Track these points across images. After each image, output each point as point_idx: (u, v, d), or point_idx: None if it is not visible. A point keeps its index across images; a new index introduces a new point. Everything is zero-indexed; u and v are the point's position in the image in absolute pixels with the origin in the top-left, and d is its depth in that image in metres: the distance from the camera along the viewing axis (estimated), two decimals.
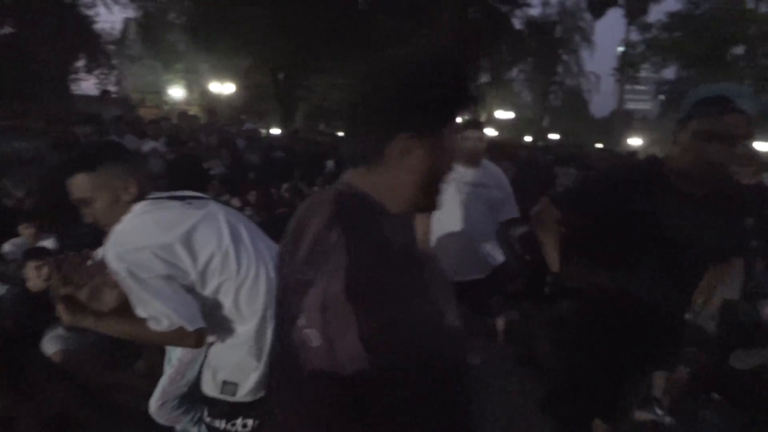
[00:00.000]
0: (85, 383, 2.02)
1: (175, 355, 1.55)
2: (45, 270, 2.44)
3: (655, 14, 17.51)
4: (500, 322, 3.30)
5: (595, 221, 1.43)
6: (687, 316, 1.46)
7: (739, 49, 14.97)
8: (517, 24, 21.73)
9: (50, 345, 2.01)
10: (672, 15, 15.77)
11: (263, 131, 12.61)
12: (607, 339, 1.41)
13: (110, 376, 2.13)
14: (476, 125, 2.64)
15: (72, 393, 1.94)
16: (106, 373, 2.14)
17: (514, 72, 25.85)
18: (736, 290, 2.96)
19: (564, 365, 1.59)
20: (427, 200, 0.74)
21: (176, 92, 19.55)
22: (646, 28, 16.89)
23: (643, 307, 1.34)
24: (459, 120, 0.73)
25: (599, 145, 17.06)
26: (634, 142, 25.15)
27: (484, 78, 23.46)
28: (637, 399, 1.50)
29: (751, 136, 1.23)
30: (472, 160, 2.61)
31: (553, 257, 1.54)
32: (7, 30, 11.15)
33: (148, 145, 5.54)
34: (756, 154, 3.59)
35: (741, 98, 1.20)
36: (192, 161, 5.46)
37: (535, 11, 24.01)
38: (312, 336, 0.60)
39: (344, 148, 0.76)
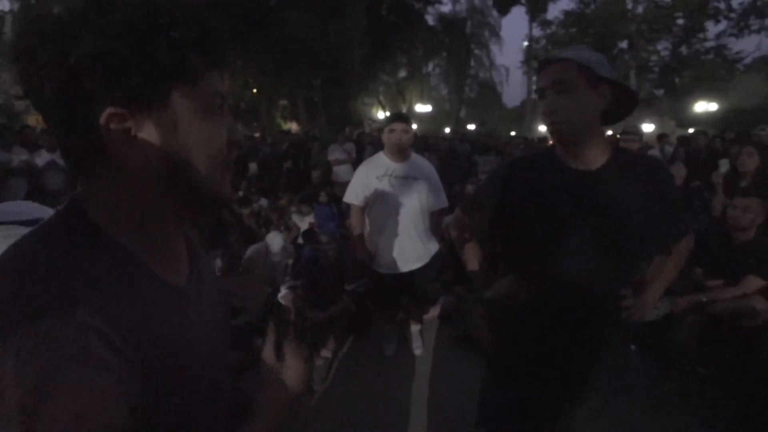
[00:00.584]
0: None
1: None
2: None
3: (554, 12, 19.05)
4: (437, 308, 3.53)
5: (501, 219, 1.34)
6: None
7: (623, 44, 16.85)
8: (430, 20, 22.48)
9: None
10: (567, 13, 17.40)
11: None
12: (538, 327, 1.31)
13: None
14: (401, 118, 2.71)
15: None
16: None
17: (430, 67, 26.72)
18: None
19: (498, 363, 1.49)
20: (193, 199, 0.52)
21: None
22: (546, 24, 18.40)
23: (567, 291, 1.23)
24: (202, 83, 0.49)
25: (513, 133, 18.23)
26: (544, 128, 27.13)
27: (402, 73, 24.01)
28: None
29: (568, 82, 1.13)
30: (401, 153, 2.70)
31: (474, 268, 1.50)
32: None
33: (42, 158, 5.03)
34: (638, 131, 4.05)
35: (570, 53, 1.16)
36: None
37: (445, 8, 24.92)
38: None
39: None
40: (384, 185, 2.68)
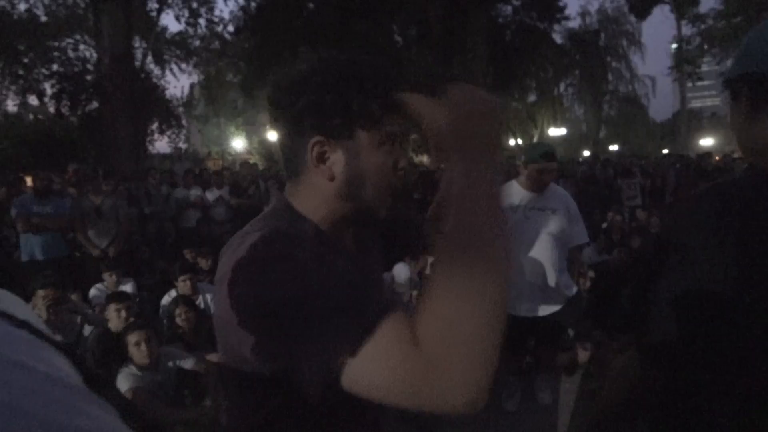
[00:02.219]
0: (154, 421, 2.14)
1: None
2: (123, 312, 2.67)
3: (707, 3, 16.47)
4: (574, 356, 3.09)
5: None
6: None
7: None
8: (558, 39, 21.43)
9: (123, 383, 2.16)
10: (727, 1, 14.76)
11: None
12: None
13: (177, 413, 2.24)
14: (551, 157, 2.43)
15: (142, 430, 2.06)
16: (174, 410, 2.25)
17: (562, 87, 25.25)
18: None
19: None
20: (359, 210, 0.71)
21: (238, 144, 21.24)
22: (698, 19, 15.93)
23: None
24: (384, 123, 0.66)
25: (665, 151, 15.97)
26: (705, 142, 23.30)
27: (532, 97, 23.13)
28: None
29: None
30: (539, 186, 2.47)
31: None
32: (93, 105, 12.84)
33: (213, 194, 6.00)
34: None
35: None
36: (252, 206, 5.82)
37: (574, 24, 23.57)
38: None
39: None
40: (518, 217, 2.44)
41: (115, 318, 2.64)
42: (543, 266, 2.44)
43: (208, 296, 3.49)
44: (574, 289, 2.57)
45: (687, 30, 17.06)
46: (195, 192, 5.99)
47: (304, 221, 0.69)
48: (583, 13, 24.02)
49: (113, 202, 4.38)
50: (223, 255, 0.67)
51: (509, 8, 18.47)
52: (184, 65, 16.53)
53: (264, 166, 12.76)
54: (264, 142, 18.48)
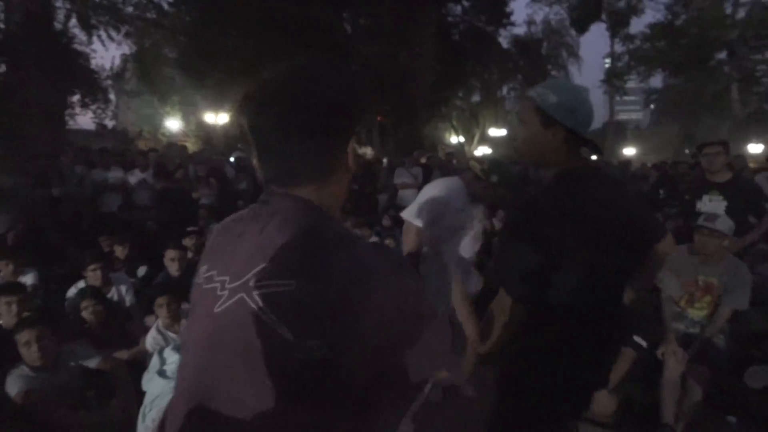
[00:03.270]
0: (52, 424, 1.94)
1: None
2: (15, 306, 2.39)
3: (637, 26, 17.89)
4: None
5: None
6: (679, 326, 1.43)
7: (722, 54, 15.21)
8: (504, 43, 22.18)
9: (12, 386, 1.94)
10: (653, 26, 16.14)
11: None
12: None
13: (79, 416, 2.05)
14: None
15: None
16: (75, 413, 2.06)
17: (505, 90, 26.21)
18: (744, 299, 2.54)
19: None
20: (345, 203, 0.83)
21: (173, 124, 19.87)
22: (629, 39, 17.25)
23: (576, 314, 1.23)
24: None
25: (594, 157, 17.08)
26: (628, 151, 25.23)
27: (476, 97, 23.79)
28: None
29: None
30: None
31: None
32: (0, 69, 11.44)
33: (135, 177, 5.56)
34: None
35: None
36: (179, 191, 5.47)
37: (520, 30, 24.50)
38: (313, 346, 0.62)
39: (277, 169, 0.72)
40: (459, 220, 2.50)
41: (5, 313, 2.36)
42: (467, 262, 2.57)
43: (123, 288, 3.24)
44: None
45: (619, 48, 18.36)
46: (115, 174, 5.52)
47: (332, 219, 0.73)
48: (529, 22, 24.99)
49: (14, 181, 3.93)
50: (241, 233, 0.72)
51: (459, 8, 18.81)
52: (114, 33, 15.18)
53: (199, 149, 12.07)
54: (202, 125, 17.44)
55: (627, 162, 11.46)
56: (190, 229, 4.09)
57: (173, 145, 6.82)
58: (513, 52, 23.40)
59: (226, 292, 0.67)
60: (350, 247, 0.67)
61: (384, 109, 15.64)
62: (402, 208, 6.97)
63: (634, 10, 17.98)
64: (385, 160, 8.41)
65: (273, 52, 13.18)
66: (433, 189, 2.58)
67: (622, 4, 18.10)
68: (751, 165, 7.97)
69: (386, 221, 5.85)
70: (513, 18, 19.29)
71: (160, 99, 19.00)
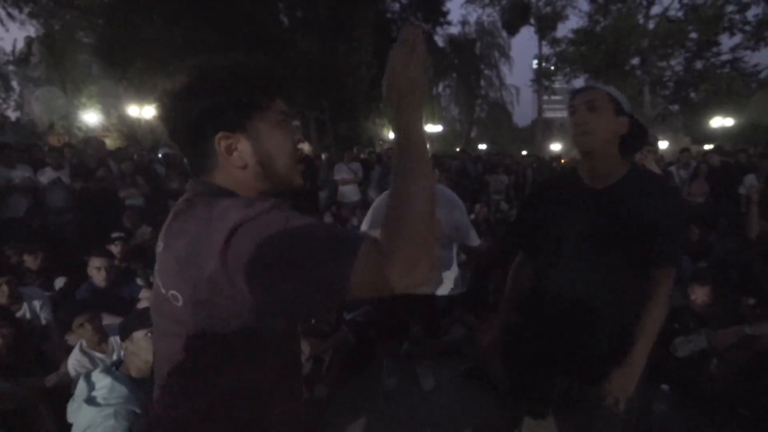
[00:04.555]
0: None
1: None
2: None
3: (563, 30, 19.06)
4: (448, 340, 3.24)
5: (530, 232, 1.52)
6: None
7: (635, 60, 16.67)
8: (440, 42, 22.70)
9: None
10: (576, 31, 17.31)
11: None
12: (542, 341, 1.44)
13: None
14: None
15: None
16: None
17: (440, 87, 26.85)
18: None
19: (508, 372, 1.62)
20: (281, 188, 0.81)
21: (91, 117, 18.09)
22: (555, 42, 18.36)
23: (569, 305, 1.37)
24: (271, 107, 0.78)
25: (524, 152, 18.04)
26: (555, 147, 26.93)
27: None
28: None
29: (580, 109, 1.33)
30: None
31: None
32: None
33: (46, 176, 4.97)
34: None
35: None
36: (101, 192, 4.97)
37: (455, 30, 25.18)
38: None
39: (188, 159, 0.81)
40: None
41: None
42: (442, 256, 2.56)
43: (37, 303, 2.86)
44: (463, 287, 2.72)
45: (546, 50, 19.50)
46: (20, 172, 4.87)
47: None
48: (464, 22, 25.77)
49: None
50: (175, 235, 0.74)
51: (397, 5, 18.90)
52: (16, 12, 13.53)
53: (123, 145, 11.11)
54: (125, 119, 16.07)
55: (557, 157, 12.31)
56: (115, 234, 3.72)
57: (92, 140, 6.15)
58: (448, 51, 24.01)
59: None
60: (212, 205, 0.70)
61: (322, 104, 15.37)
62: (343, 204, 6.95)
63: (560, 15, 19.16)
64: (324, 156, 8.24)
65: (203, 42, 12.43)
66: (380, 199, 2.64)
67: (549, 9, 19.19)
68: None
69: (327, 218, 5.75)
70: (449, 18, 19.74)
71: (75, 89, 17.22)
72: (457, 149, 10.51)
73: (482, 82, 28.12)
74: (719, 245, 4.84)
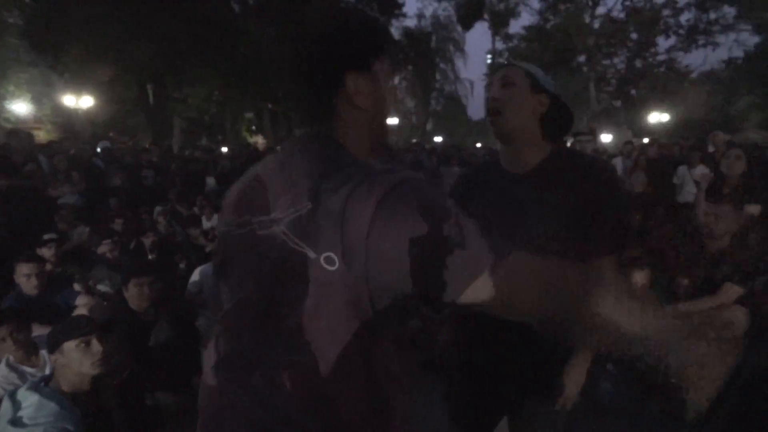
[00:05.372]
0: None
1: None
2: None
3: (515, 27, 19.62)
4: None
5: None
6: None
7: (582, 58, 17.46)
8: (396, 34, 22.68)
9: None
10: (528, 28, 17.89)
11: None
12: (492, 331, 1.26)
13: None
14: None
15: None
16: None
17: (396, 80, 26.87)
18: None
19: (460, 365, 1.49)
20: (380, 139, 0.82)
21: (20, 107, 16.64)
22: (508, 38, 18.89)
23: None
24: (382, 57, 0.79)
25: (478, 145, 18.48)
26: None
27: None
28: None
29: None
30: None
31: None
32: None
33: None
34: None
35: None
36: (29, 190, 4.58)
37: (411, 23, 25.25)
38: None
39: (295, 112, 0.86)
40: None
41: None
42: None
43: None
44: None
45: (499, 45, 20.01)
46: None
47: (347, 155, 0.75)
48: (419, 15, 25.89)
49: None
50: (329, 192, 0.67)
51: None
52: None
53: (58, 137, 10.30)
54: (60, 109, 14.90)
55: None
56: (47, 236, 3.44)
57: (18, 133, 5.62)
58: (404, 44, 24.04)
59: (264, 231, 0.72)
60: (354, 165, 0.70)
61: (276, 96, 14.97)
62: None
63: (513, 12, 19.70)
64: (277, 149, 8.04)
65: (146, 27, 11.71)
66: None
67: (502, 6, 19.67)
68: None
69: None
70: (404, 10, 19.75)
71: (0, 75, 15.77)
72: (413, 141, 10.57)
73: (438, 76, 28.44)
74: (656, 231, 5.17)
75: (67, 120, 14.57)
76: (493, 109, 1.23)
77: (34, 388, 1.72)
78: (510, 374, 1.26)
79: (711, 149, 6.81)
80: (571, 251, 1.13)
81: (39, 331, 2.28)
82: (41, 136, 12.57)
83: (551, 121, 1.23)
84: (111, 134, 13.62)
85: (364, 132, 0.79)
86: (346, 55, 0.76)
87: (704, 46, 16.22)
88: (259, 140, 18.07)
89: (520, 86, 1.21)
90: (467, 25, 23.11)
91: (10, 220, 4.27)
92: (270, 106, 15.84)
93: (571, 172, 1.19)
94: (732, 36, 16.48)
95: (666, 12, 16.01)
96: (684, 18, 16.02)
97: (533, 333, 1.17)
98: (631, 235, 1.24)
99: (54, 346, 1.71)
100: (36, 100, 16.85)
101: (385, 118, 0.82)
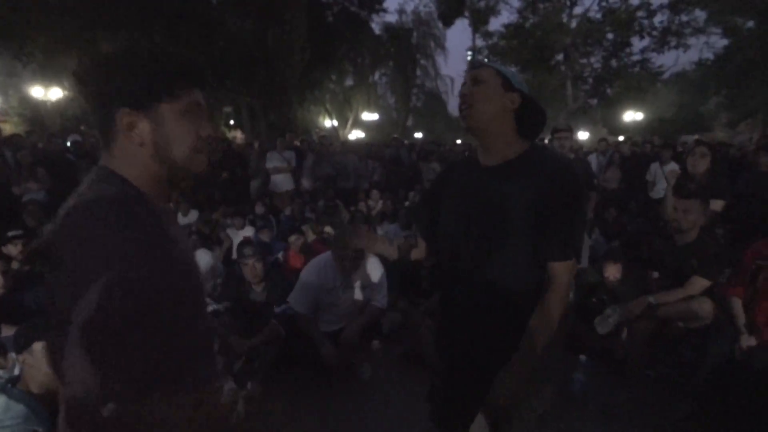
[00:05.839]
0: None
1: None
2: None
3: (495, 25, 19.79)
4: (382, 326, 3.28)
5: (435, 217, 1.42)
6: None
7: (560, 56, 17.75)
8: (377, 29, 22.59)
9: None
10: (507, 26, 18.07)
11: None
12: (462, 324, 1.32)
13: None
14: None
15: None
16: None
17: (377, 75, 26.79)
18: (584, 258, 3.64)
19: (438, 358, 1.50)
20: (175, 175, 0.83)
21: None
22: (488, 36, 19.02)
23: (476, 284, 1.25)
24: (183, 96, 0.81)
25: (459, 141, 18.63)
26: None
27: (349, 81, 23.88)
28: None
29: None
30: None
31: None
32: None
33: None
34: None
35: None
36: None
37: (392, 18, 25.18)
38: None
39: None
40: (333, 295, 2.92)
41: None
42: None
43: None
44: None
45: (480, 42, 20.14)
46: None
47: (126, 184, 0.78)
48: (401, 11, 25.72)
49: None
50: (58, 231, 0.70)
51: None
52: None
53: (25, 130, 9.89)
54: (27, 101, 14.33)
55: None
56: (12, 233, 3.31)
57: None
58: (384, 39, 23.95)
59: None
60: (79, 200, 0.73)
61: (253, 90, 14.72)
62: (275, 193, 6.73)
63: (493, 10, 19.83)
64: (255, 144, 7.92)
65: (118, 17, 11.32)
66: (307, 273, 2.94)
67: (482, 4, 19.78)
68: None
69: (259, 208, 5.53)
70: (385, 5, 19.66)
71: None
72: (393, 137, 10.56)
73: (418, 72, 28.42)
74: (630, 226, 5.32)
75: (35, 112, 14.02)
76: (464, 103, 1.27)
77: (1, 389, 1.66)
78: (485, 366, 1.25)
79: (680, 149, 7.06)
80: (524, 247, 1.16)
81: (6, 332, 2.20)
82: (8, 129, 12.03)
83: (524, 120, 1.26)
84: (82, 127, 13.12)
85: (144, 167, 0.80)
86: (117, 92, 0.77)
87: (676, 47, 16.68)
88: (238, 135, 17.76)
89: (490, 83, 1.25)
90: (448, 22, 23.15)
91: None
92: (248, 100, 15.58)
93: (535, 168, 1.19)
94: (702, 38, 17.03)
95: (640, 13, 16.41)
96: (657, 20, 16.46)
97: (508, 327, 1.22)
98: (579, 245, 1.21)
99: (22, 346, 1.65)
100: (1, 91, 16.16)
101: (178, 156, 0.81)
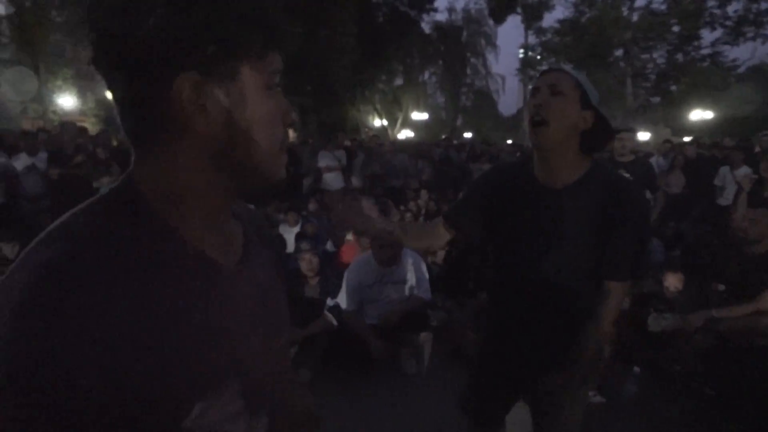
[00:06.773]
0: None
1: None
2: None
3: (549, 20, 19.11)
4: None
5: (482, 223, 1.39)
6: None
7: (618, 52, 16.84)
8: (426, 29, 22.54)
9: None
10: (562, 21, 17.39)
11: None
12: (513, 326, 1.38)
13: None
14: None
15: None
16: None
17: (426, 75, 26.72)
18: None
19: (480, 357, 1.55)
20: (245, 179, 0.52)
21: (66, 101, 17.46)
22: (541, 32, 18.42)
23: (538, 294, 1.28)
24: (269, 60, 0.50)
25: (509, 141, 18.19)
26: None
27: (399, 81, 23.99)
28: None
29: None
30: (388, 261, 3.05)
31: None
32: None
33: (21, 162, 4.84)
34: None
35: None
36: (79, 179, 4.86)
37: (441, 17, 25.02)
38: None
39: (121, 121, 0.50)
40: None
41: None
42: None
43: None
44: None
45: (532, 39, 19.54)
46: None
47: (147, 219, 0.48)
48: (450, 9, 25.62)
49: None
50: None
51: None
52: None
53: (100, 130, 10.78)
54: (103, 102, 15.57)
55: None
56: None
57: (69, 125, 5.97)
58: (434, 38, 23.86)
59: None
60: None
61: (304, 89, 15.15)
62: (327, 192, 6.92)
63: (546, 5, 19.20)
64: (310, 141, 8.19)
65: None
66: (349, 272, 3.06)
67: None
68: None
69: (312, 206, 5.73)
70: (435, 4, 19.59)
71: (48, 71, 16.56)
72: (443, 137, 10.50)
73: (468, 71, 28.07)
74: (691, 234, 5.01)
75: (110, 113, 15.20)
76: (539, 117, 1.16)
77: None
78: (529, 359, 1.34)
79: (757, 149, 6.50)
80: (588, 264, 1.21)
81: None
82: (88, 128, 13.17)
83: (591, 137, 1.20)
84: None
85: (206, 173, 0.50)
86: (183, 44, 0.45)
87: (753, 38, 15.31)
88: (290, 133, 18.30)
89: (569, 97, 1.16)
90: (499, 19, 22.67)
91: (60, 207, 4.56)
92: (299, 99, 16.06)
93: (600, 189, 1.20)
94: None
95: (711, 3, 15.22)
96: (732, 9, 15.17)
97: (564, 334, 1.27)
98: (644, 266, 1.30)
99: None
100: (80, 94, 17.65)
101: (261, 150, 0.51)
